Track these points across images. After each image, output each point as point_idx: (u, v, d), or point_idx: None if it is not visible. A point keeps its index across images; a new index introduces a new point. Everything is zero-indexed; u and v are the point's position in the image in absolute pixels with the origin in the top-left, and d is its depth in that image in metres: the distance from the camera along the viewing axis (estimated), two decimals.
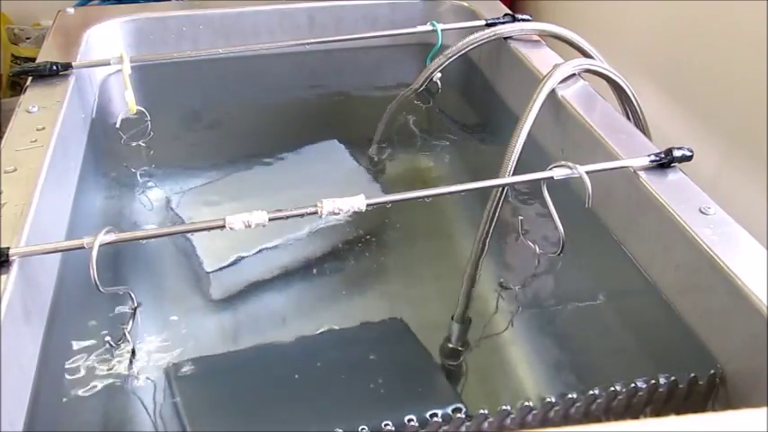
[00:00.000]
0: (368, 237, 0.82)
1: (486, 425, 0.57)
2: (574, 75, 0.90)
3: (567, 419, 0.58)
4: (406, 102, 1.07)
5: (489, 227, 0.82)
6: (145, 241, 0.77)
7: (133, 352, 0.65)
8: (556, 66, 0.88)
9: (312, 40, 1.07)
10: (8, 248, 0.60)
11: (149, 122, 0.95)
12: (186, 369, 0.64)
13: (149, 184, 0.89)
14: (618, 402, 0.59)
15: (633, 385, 0.59)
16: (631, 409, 0.60)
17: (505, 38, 1.03)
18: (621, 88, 0.93)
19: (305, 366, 0.66)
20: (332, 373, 0.65)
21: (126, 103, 0.92)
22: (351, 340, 0.69)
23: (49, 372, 0.62)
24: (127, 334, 0.66)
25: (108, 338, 0.65)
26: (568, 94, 0.88)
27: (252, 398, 0.63)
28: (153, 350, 0.66)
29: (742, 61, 0.96)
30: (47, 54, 0.99)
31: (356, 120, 1.07)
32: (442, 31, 1.07)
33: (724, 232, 0.65)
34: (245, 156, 0.95)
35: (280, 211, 0.65)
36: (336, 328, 0.69)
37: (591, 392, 0.59)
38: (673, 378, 0.60)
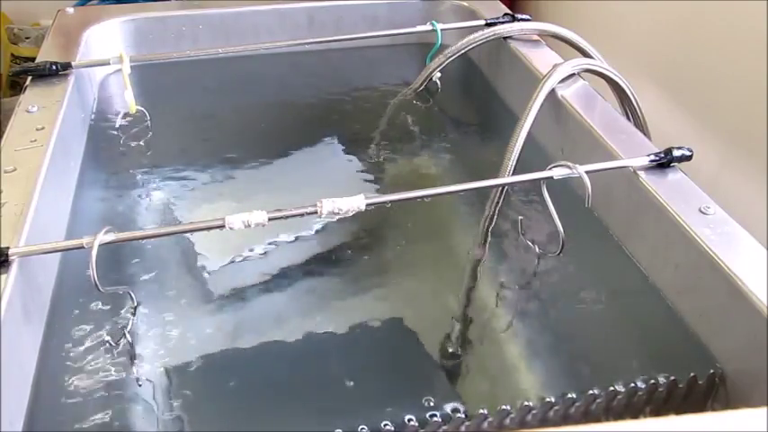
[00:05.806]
0: (368, 236, 0.82)
1: (485, 425, 0.57)
2: (573, 75, 0.90)
3: (566, 419, 0.58)
4: (406, 101, 1.07)
5: (489, 226, 0.82)
6: (144, 241, 0.77)
7: (133, 351, 0.65)
8: (555, 66, 0.88)
9: (311, 40, 1.07)
10: (8, 248, 0.60)
11: (149, 122, 0.95)
12: (186, 369, 0.64)
13: (149, 183, 0.89)
14: (617, 402, 0.59)
15: (633, 385, 0.59)
16: (631, 409, 0.60)
17: (505, 38, 1.03)
18: (621, 88, 0.93)
19: (305, 366, 0.66)
20: (331, 372, 0.65)
21: (126, 102, 0.92)
22: (350, 340, 0.69)
23: (48, 372, 0.62)
24: (127, 334, 0.66)
25: (108, 338, 0.65)
26: (568, 93, 0.88)
27: (251, 397, 0.63)
28: (153, 350, 0.66)
29: (742, 61, 0.96)
30: (46, 54, 0.99)
31: (356, 120, 1.06)
32: (442, 30, 1.07)
33: (724, 232, 0.65)
34: (244, 156, 0.95)
35: (279, 210, 0.65)
36: (336, 327, 0.69)
37: (590, 392, 0.59)
38: (672, 378, 0.60)
